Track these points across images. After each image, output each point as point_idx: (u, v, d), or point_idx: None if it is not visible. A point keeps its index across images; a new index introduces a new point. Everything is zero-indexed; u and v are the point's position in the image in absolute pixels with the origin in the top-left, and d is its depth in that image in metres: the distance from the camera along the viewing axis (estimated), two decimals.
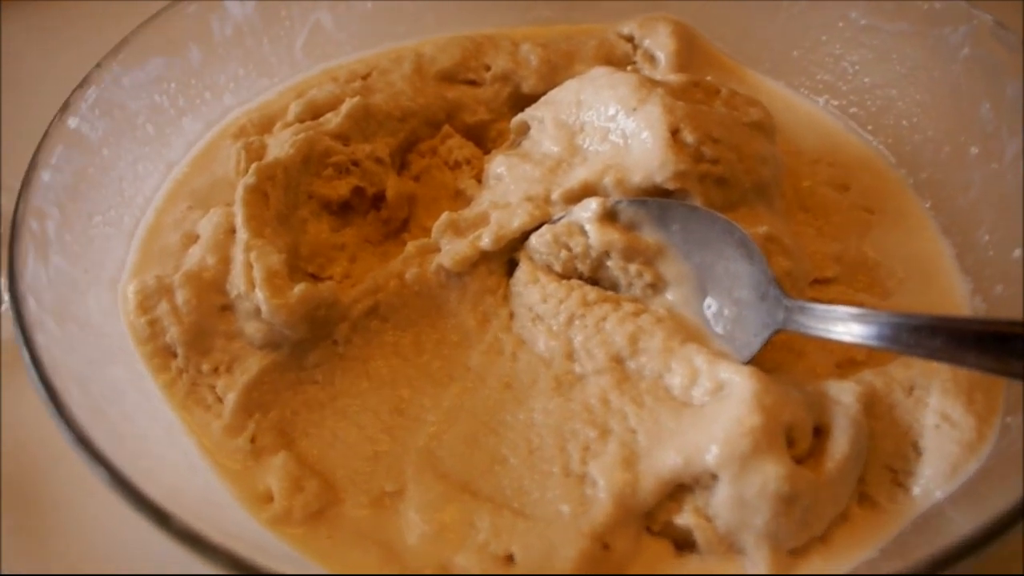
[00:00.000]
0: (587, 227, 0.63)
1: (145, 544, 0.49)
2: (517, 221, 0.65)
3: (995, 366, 0.48)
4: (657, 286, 0.63)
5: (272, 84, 0.81)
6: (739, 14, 0.85)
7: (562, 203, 0.66)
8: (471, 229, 0.66)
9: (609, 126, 0.68)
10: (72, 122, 0.65)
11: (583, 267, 0.65)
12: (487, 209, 0.67)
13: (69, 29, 0.98)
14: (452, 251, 0.65)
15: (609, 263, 0.64)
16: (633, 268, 0.63)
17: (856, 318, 0.53)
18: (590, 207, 0.63)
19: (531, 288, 0.64)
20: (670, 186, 0.63)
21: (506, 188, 0.69)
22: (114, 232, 0.67)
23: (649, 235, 0.63)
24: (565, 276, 0.65)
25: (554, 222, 0.65)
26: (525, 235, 0.66)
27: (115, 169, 0.69)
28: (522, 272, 0.65)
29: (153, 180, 0.72)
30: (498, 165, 0.70)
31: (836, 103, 0.82)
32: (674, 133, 0.64)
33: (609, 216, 0.64)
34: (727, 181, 0.65)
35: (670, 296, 0.63)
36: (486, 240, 0.65)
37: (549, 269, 0.65)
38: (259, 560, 0.44)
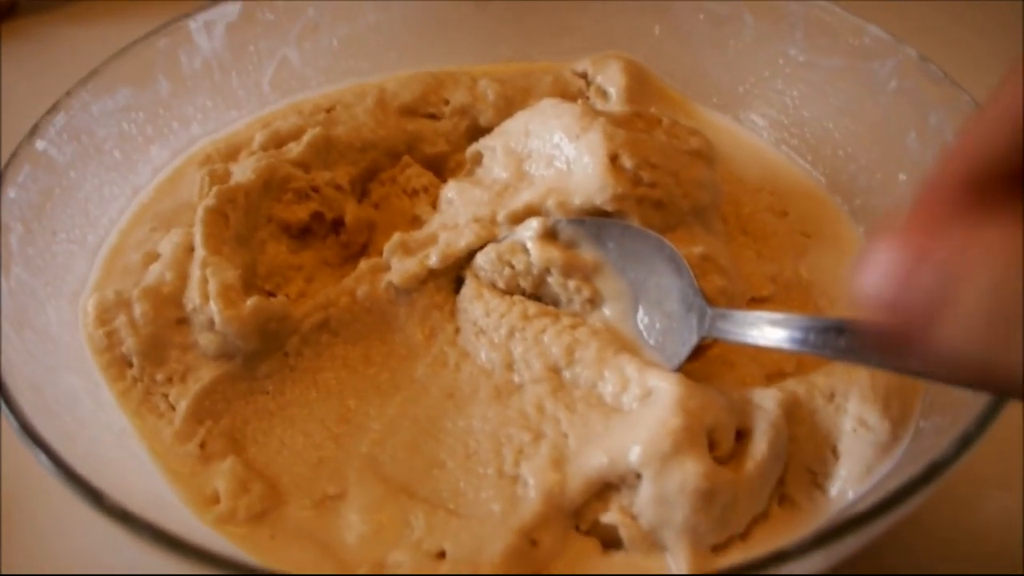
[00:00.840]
0: (529, 245, 0.67)
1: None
2: (464, 241, 0.69)
3: (895, 363, 0.51)
4: (595, 301, 0.66)
5: (240, 116, 0.86)
6: (689, 52, 0.91)
7: (507, 224, 0.69)
8: (420, 249, 0.70)
9: (554, 153, 0.72)
10: (40, 144, 0.69)
11: (525, 284, 0.68)
12: (436, 230, 0.71)
13: (46, 52, 1.02)
14: (401, 269, 0.69)
15: (550, 279, 0.67)
16: (572, 284, 0.66)
17: (770, 322, 0.56)
18: (531, 226, 0.67)
19: (475, 303, 0.68)
20: (609, 208, 0.67)
21: (456, 211, 0.73)
22: (77, 249, 0.71)
23: (587, 252, 0.67)
24: (508, 292, 0.68)
25: (499, 241, 0.69)
26: (472, 254, 0.69)
27: (81, 191, 0.73)
28: (468, 288, 0.69)
29: (119, 203, 0.76)
30: (449, 190, 0.75)
31: (778, 135, 0.86)
32: (613, 159, 0.68)
33: (550, 235, 0.67)
34: (664, 204, 0.68)
35: (607, 311, 0.66)
36: (434, 258, 0.69)
37: (493, 286, 0.68)
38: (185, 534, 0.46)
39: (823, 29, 0.82)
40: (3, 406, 0.52)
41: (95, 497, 0.48)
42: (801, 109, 0.85)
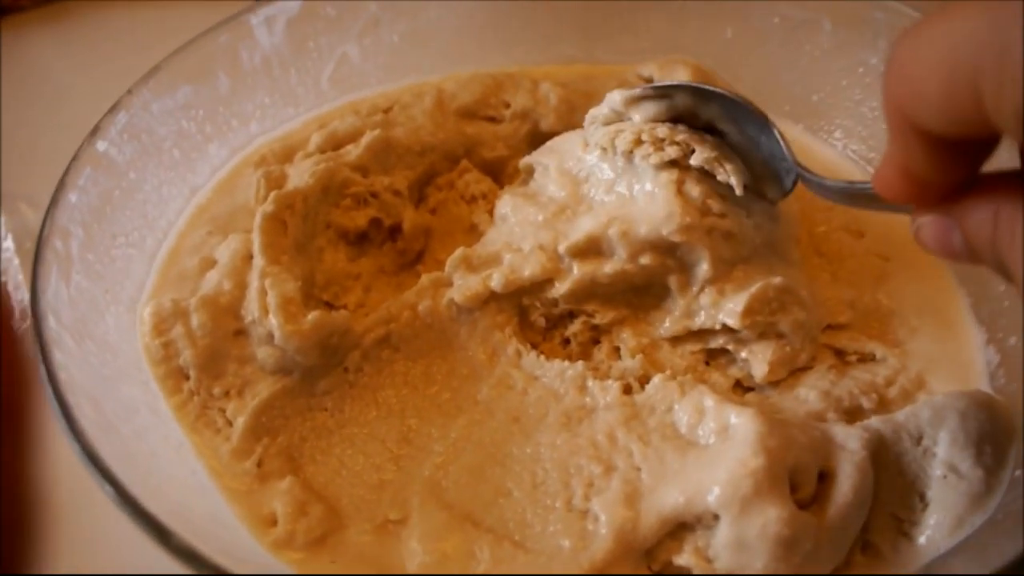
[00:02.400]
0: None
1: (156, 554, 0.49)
2: (528, 270, 0.67)
3: None
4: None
5: (298, 113, 0.84)
6: (761, 58, 0.87)
7: (569, 256, 0.66)
8: (483, 267, 0.68)
9: (613, 177, 0.68)
10: (101, 145, 0.68)
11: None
12: (500, 250, 0.69)
13: (103, 44, 1.01)
14: (464, 287, 0.67)
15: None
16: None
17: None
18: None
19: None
20: (676, 239, 0.64)
21: (511, 229, 0.70)
22: (136, 254, 0.70)
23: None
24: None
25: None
26: (534, 285, 0.67)
27: (140, 192, 0.72)
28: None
29: (177, 204, 0.75)
30: (504, 205, 0.73)
31: (855, 148, 0.82)
32: (679, 186, 0.64)
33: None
34: (735, 236, 0.65)
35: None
36: (496, 281, 0.66)
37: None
38: None
39: None
40: (66, 430, 0.51)
41: (162, 535, 0.46)
42: (880, 121, 0.80)
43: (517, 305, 0.68)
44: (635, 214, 0.65)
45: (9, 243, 0.85)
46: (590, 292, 0.66)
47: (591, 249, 0.65)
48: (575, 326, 0.68)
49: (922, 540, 0.56)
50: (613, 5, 0.90)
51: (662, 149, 0.65)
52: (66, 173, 0.64)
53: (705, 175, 0.65)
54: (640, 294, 0.67)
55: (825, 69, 0.83)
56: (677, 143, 0.65)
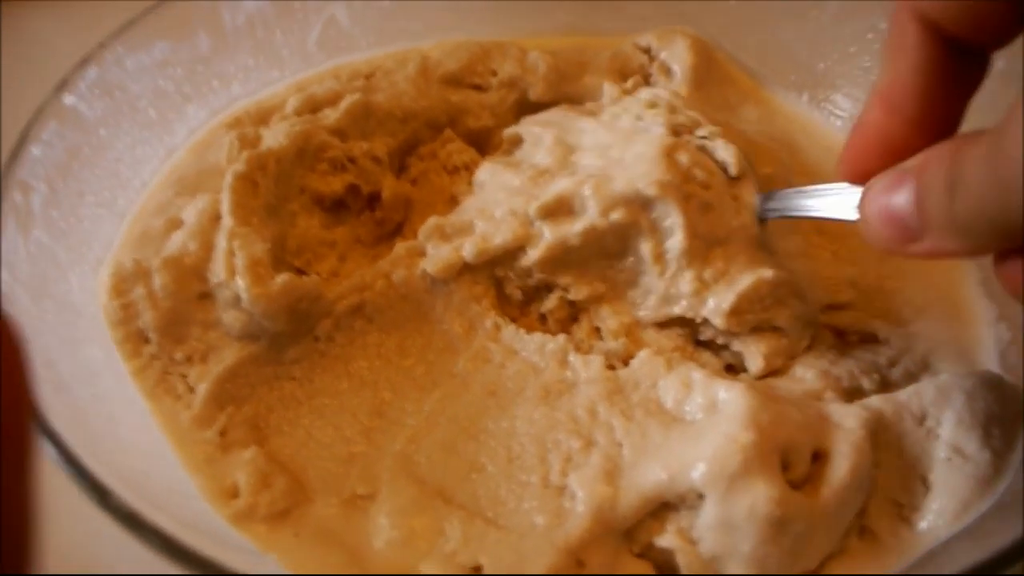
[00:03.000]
0: None
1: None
2: (500, 238, 0.63)
3: None
4: None
5: (282, 76, 0.81)
6: (766, 23, 0.84)
7: (539, 218, 0.63)
8: (457, 236, 0.65)
9: (611, 150, 0.65)
10: (68, 100, 0.65)
11: None
12: (473, 217, 0.66)
13: (105, 23, 0.98)
14: (436, 257, 0.64)
15: None
16: None
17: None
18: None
19: None
20: (650, 192, 0.60)
21: (486, 197, 0.67)
22: (105, 213, 0.67)
23: None
24: None
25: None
26: (507, 252, 0.63)
27: (112, 150, 0.69)
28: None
29: (152, 165, 0.72)
30: (483, 171, 0.70)
31: None
32: (670, 151, 0.62)
33: None
34: (713, 209, 0.62)
35: None
36: (468, 251, 0.63)
37: None
38: (197, 545, 0.42)
39: None
40: None
41: (102, 496, 0.43)
42: None
43: (492, 276, 0.65)
44: (615, 173, 0.62)
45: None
46: (562, 261, 0.62)
47: (561, 209, 0.62)
48: (551, 302, 0.64)
49: (923, 526, 0.52)
50: None
51: (674, 114, 0.65)
52: (28, 126, 0.61)
53: (702, 152, 0.63)
54: (613, 262, 0.63)
55: (832, 35, 0.79)
56: (689, 115, 0.65)
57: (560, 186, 0.62)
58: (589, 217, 0.61)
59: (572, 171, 0.65)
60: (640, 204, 0.60)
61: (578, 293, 0.63)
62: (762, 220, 0.62)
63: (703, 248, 0.61)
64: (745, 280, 0.60)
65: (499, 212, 0.64)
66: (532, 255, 0.62)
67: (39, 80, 0.67)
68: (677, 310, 0.61)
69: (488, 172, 0.68)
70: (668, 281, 0.61)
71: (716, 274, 0.61)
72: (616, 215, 0.60)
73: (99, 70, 0.67)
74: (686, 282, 0.61)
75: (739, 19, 0.83)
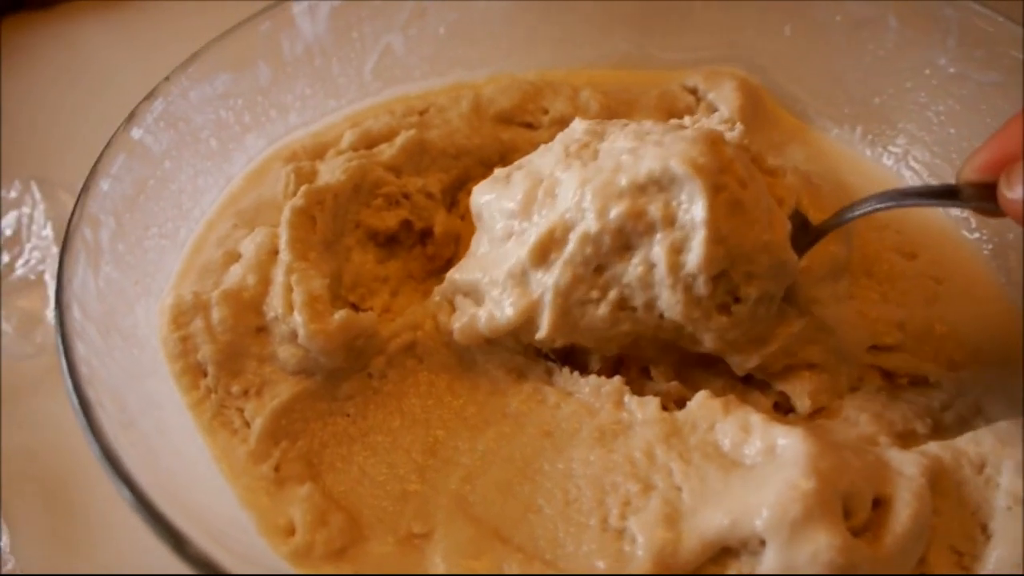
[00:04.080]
0: None
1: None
2: (505, 319, 0.60)
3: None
4: None
5: (339, 105, 0.82)
6: (822, 56, 0.84)
7: (532, 266, 0.59)
8: (470, 296, 0.64)
9: (650, 132, 0.60)
10: (136, 133, 0.67)
11: None
12: (479, 278, 0.62)
13: (148, 32, 1.00)
14: (458, 325, 0.63)
15: None
16: None
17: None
18: None
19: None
20: (680, 169, 0.54)
21: (488, 233, 0.64)
22: (169, 245, 0.68)
23: None
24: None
25: None
26: (520, 327, 0.61)
27: (175, 182, 0.70)
28: None
29: (212, 195, 0.74)
30: (477, 198, 0.65)
31: (917, 155, 0.78)
32: (717, 139, 0.57)
33: None
34: (745, 210, 0.55)
35: None
36: (484, 326, 0.61)
37: None
38: None
39: (980, 38, 0.73)
40: (85, 427, 0.49)
41: (179, 543, 0.44)
42: (947, 126, 0.77)
43: (520, 341, 0.63)
44: (647, 152, 0.56)
45: (48, 231, 0.84)
46: (573, 326, 0.59)
47: (554, 244, 0.58)
48: (594, 363, 0.64)
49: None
50: (669, 3, 0.86)
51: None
52: (99, 160, 0.63)
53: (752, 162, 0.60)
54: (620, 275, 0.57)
55: (889, 70, 0.79)
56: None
57: (544, 223, 0.58)
58: (586, 224, 0.56)
59: (573, 171, 0.58)
60: (658, 186, 0.55)
61: (608, 351, 0.63)
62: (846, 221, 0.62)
63: (724, 260, 0.55)
64: (771, 344, 0.60)
65: (500, 274, 0.60)
66: (543, 327, 0.59)
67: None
68: (704, 348, 0.60)
69: (482, 199, 0.64)
70: (686, 309, 0.56)
71: (733, 324, 0.57)
72: (618, 207, 0.55)
73: (165, 102, 0.69)
74: (709, 338, 0.58)
75: (793, 50, 0.83)
